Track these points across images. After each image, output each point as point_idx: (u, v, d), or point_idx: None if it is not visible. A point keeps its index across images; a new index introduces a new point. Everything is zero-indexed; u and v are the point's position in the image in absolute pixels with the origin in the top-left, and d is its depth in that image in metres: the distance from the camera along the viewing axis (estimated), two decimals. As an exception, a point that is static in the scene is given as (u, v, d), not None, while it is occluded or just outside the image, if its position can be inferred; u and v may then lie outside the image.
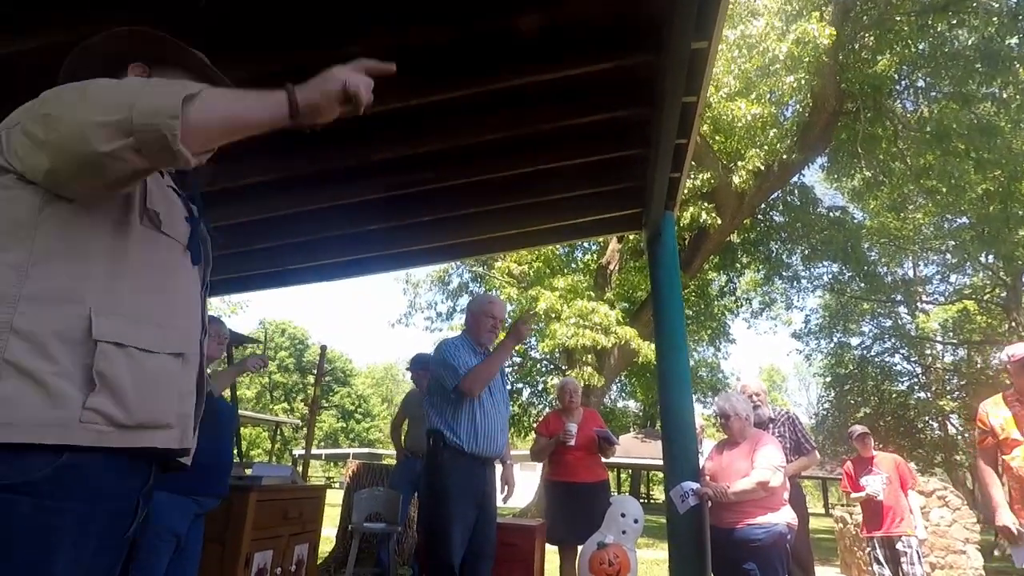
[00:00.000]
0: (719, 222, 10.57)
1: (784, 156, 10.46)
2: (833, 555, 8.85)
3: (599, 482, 4.19)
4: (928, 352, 18.18)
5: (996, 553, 11.52)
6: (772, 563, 3.05)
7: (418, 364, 4.88)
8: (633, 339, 10.97)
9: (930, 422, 15.84)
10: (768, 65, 9.36)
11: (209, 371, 2.28)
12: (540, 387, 15.53)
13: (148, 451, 1.02)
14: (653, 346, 6.00)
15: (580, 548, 3.67)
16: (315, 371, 8.81)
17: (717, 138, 10.78)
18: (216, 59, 1.30)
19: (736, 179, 9.94)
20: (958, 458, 16.02)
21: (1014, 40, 9.43)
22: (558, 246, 13.75)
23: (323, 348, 9.05)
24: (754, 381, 4.17)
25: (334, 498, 8.76)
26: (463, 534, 2.78)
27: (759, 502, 3.11)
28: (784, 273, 15.79)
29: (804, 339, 18.37)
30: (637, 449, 20.97)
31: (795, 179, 13.16)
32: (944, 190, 11.54)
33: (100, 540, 0.97)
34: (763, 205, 13.31)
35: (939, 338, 17.73)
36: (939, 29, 10.18)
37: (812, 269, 16.15)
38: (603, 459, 4.30)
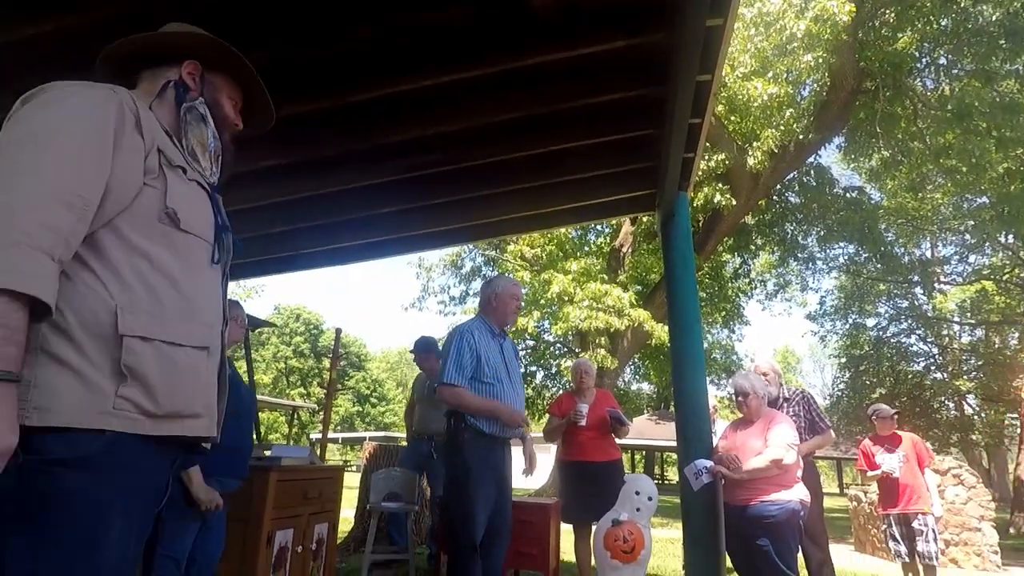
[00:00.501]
0: (733, 203, 10.48)
1: (800, 136, 10.28)
2: (847, 533, 8.88)
3: (612, 461, 4.22)
4: (945, 333, 17.97)
5: (1011, 531, 11.50)
6: (785, 539, 3.07)
7: (421, 348, 5.00)
8: (647, 321, 10.96)
9: (946, 402, 15.71)
10: (785, 43, 9.18)
11: (229, 353, 2.34)
12: (554, 370, 15.60)
13: (178, 438, 1.08)
14: (667, 328, 5.99)
15: (595, 526, 3.72)
16: (330, 355, 8.90)
17: (732, 118, 10.63)
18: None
19: (751, 160, 9.82)
20: (974, 437, 15.91)
21: (1040, 14, 9.18)
22: (571, 229, 13.72)
23: (338, 331, 9.14)
24: (765, 361, 4.17)
25: (351, 481, 8.91)
26: (484, 513, 2.83)
27: (773, 479, 3.13)
28: (799, 254, 15.64)
29: (819, 320, 18.25)
30: (651, 431, 21.05)
31: (811, 159, 12.96)
32: (964, 169, 11.31)
33: (141, 512, 1.04)
34: (778, 186, 13.16)
35: (956, 318, 17.51)
36: (962, 5, 9.91)
37: (828, 250, 15.99)
38: (616, 439, 4.34)
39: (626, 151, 3.59)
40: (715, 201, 10.15)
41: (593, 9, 2.47)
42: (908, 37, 10.64)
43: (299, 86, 2.64)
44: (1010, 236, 13.83)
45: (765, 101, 9.29)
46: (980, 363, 15.83)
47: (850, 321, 17.45)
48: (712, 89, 2.83)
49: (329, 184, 3.70)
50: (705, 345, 12.57)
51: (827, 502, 4.65)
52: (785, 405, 3.88)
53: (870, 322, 17.23)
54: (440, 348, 4.98)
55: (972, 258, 17.22)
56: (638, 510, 3.37)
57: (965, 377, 15.66)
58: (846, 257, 16.42)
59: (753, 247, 15.56)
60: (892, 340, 16.64)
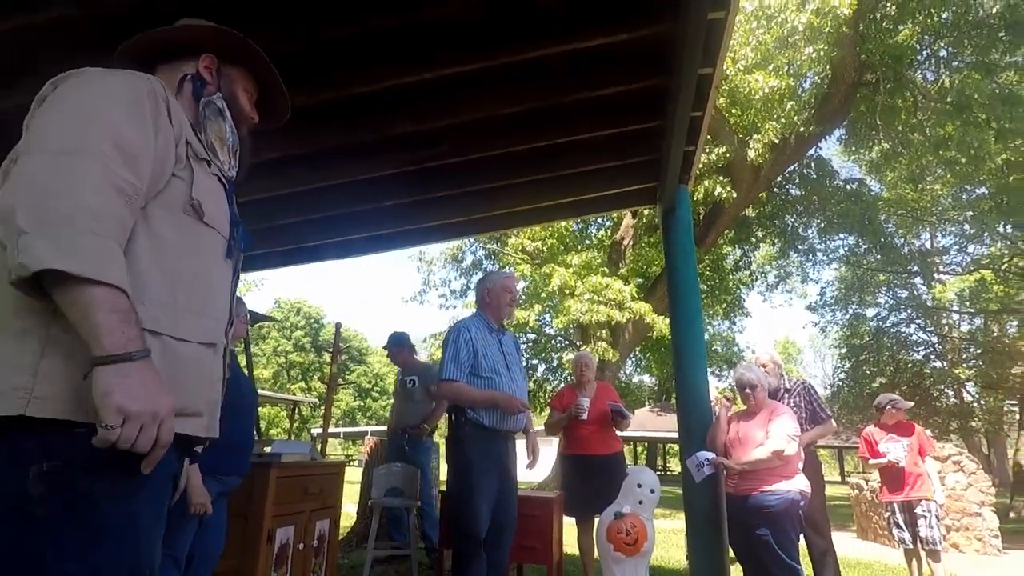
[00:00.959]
0: (734, 196, 10.46)
1: (801, 129, 10.27)
2: (849, 521, 8.94)
3: (613, 454, 4.24)
4: (944, 322, 18.03)
5: (1011, 515, 11.59)
6: (784, 528, 3.10)
7: (392, 343, 5.17)
8: (647, 314, 10.97)
9: (945, 390, 15.78)
10: (787, 36, 9.17)
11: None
12: (555, 363, 15.62)
13: (178, 436, 1.05)
14: (668, 321, 6.01)
15: (597, 519, 3.74)
16: (331, 349, 8.90)
17: (733, 111, 10.60)
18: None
19: (752, 152, 9.80)
20: (974, 424, 15.99)
21: (1040, 6, 9.16)
22: (572, 222, 13.71)
23: (338, 325, 9.15)
24: (764, 352, 4.19)
25: (353, 475, 8.94)
26: (487, 506, 2.84)
27: (774, 470, 3.15)
28: (800, 246, 15.65)
29: (819, 311, 18.29)
30: (653, 423, 21.11)
31: (812, 152, 12.95)
32: (963, 160, 11.33)
33: (160, 508, 1.04)
34: (779, 178, 13.14)
35: (955, 308, 17.56)
36: (963, -4, 9.90)
37: (828, 242, 16.01)
38: (618, 432, 4.35)
39: (628, 144, 3.59)
40: (716, 194, 10.13)
41: (598, 1, 2.46)
42: (909, 30, 10.62)
43: (303, 77, 2.62)
44: (1008, 226, 13.86)
45: (766, 94, 9.27)
46: (979, 351, 15.89)
47: (850, 311, 17.50)
48: (714, 82, 2.82)
49: (332, 177, 3.69)
50: (706, 337, 12.63)
51: (829, 490, 4.69)
52: (786, 396, 3.90)
53: (870, 312, 17.31)
54: (411, 343, 5.20)
55: (971, 248, 17.30)
56: (640, 502, 3.38)
57: (964, 365, 15.73)
58: (846, 248, 16.47)
59: (754, 239, 15.56)
60: (892, 330, 16.70)
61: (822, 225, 14.70)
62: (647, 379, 25.35)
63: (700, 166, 8.37)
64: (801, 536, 3.36)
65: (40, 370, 0.89)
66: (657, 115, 3.19)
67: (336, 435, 32.97)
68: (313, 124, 3.06)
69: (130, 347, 0.87)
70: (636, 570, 3.27)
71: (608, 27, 2.54)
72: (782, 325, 75.38)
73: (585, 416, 4.06)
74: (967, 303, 16.94)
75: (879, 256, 15.37)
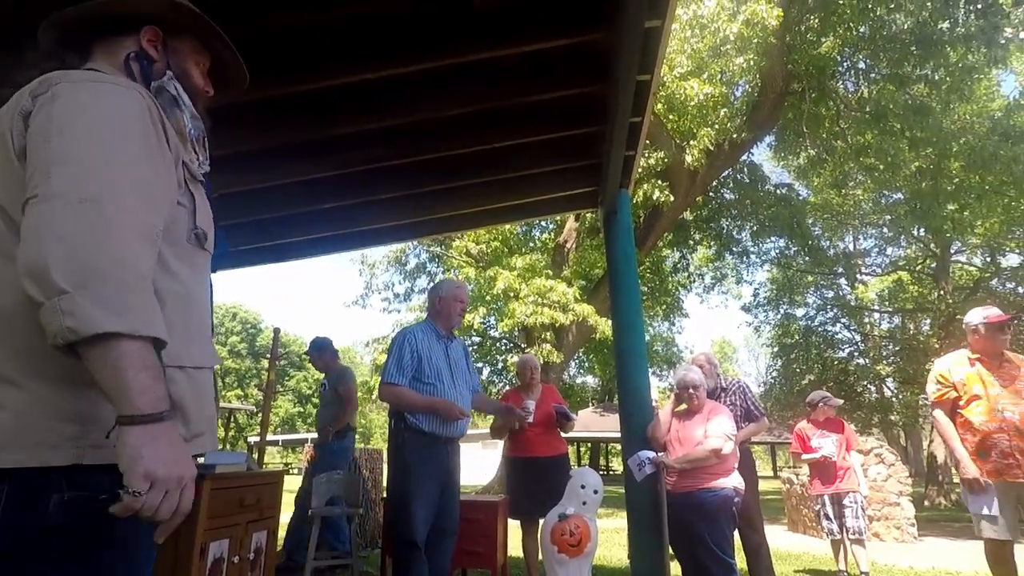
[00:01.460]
0: (672, 200, 10.74)
1: (734, 135, 10.67)
2: (781, 514, 9.31)
3: (558, 456, 4.27)
4: (867, 320, 19.11)
5: (926, 503, 12.46)
6: (719, 524, 3.20)
7: (313, 348, 5.27)
8: (591, 316, 11.12)
9: (868, 386, 16.68)
10: (719, 45, 9.49)
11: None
12: (500, 365, 15.64)
13: None
14: (610, 322, 6.11)
15: (542, 521, 3.75)
16: (268, 355, 8.60)
17: (671, 117, 10.91)
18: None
19: (689, 158, 10.10)
20: (893, 418, 16.96)
21: (945, 24, 9.81)
22: (516, 225, 13.76)
23: (276, 331, 8.83)
24: (701, 353, 4.33)
25: (293, 484, 8.64)
26: (427, 511, 2.82)
27: (711, 468, 3.25)
28: (734, 249, 16.24)
29: (753, 312, 19.00)
30: (596, 423, 21.46)
31: (744, 157, 13.48)
32: (881, 167, 12.04)
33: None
34: (714, 183, 13.59)
35: (876, 307, 18.68)
36: (878, 12, 10.50)
37: (760, 244, 16.67)
38: (562, 434, 4.39)
39: (570, 149, 3.63)
40: (655, 198, 10.38)
41: (537, 6, 2.48)
42: (831, 42, 11.20)
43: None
44: (922, 230, 14.81)
45: (701, 100, 9.57)
46: (897, 348, 16.89)
47: (781, 311, 18.26)
48: (652, 88, 2.89)
49: (268, 179, 3.57)
50: (647, 338, 12.93)
51: (762, 485, 4.88)
52: (723, 395, 4.03)
53: (799, 312, 18.10)
54: (333, 348, 5.31)
55: (889, 250, 18.45)
56: (584, 504, 3.42)
57: (884, 362, 16.66)
58: (777, 251, 17.21)
59: (691, 242, 16.06)
60: (819, 329, 17.52)
61: (755, 228, 15.32)
62: (590, 380, 25.77)
63: (639, 170, 8.58)
64: (736, 531, 3.46)
65: (84, 416, 0.87)
66: (598, 120, 3.24)
67: (275, 443, 31.92)
68: (253, 122, 2.94)
69: (160, 406, 0.84)
70: (580, 571, 3.30)
71: (545, 32, 2.56)
72: (719, 325, 78.37)
73: (531, 419, 4.07)
74: (886, 303, 18.03)
75: (807, 258, 16.13)
